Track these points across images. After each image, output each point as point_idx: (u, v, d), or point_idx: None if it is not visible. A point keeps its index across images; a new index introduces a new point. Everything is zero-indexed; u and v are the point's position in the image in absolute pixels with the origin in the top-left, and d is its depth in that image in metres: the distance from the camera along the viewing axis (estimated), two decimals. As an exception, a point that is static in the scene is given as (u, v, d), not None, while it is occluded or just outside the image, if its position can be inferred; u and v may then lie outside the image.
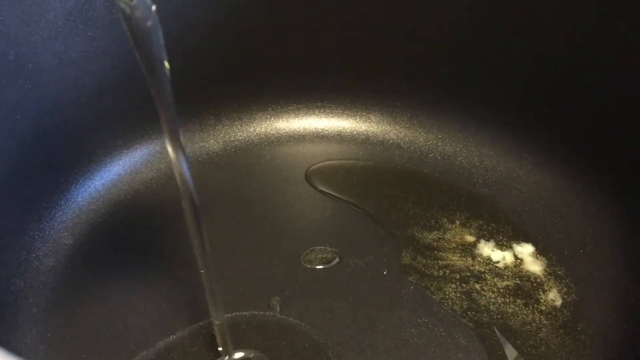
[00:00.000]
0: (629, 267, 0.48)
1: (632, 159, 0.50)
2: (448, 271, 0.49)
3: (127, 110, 0.54)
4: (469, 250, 0.51)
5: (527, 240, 0.52)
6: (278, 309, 0.47)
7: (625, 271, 0.48)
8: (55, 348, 0.44)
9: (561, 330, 0.45)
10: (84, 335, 0.44)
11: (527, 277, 0.49)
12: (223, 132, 0.61)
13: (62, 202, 0.52)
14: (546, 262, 0.50)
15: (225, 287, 0.48)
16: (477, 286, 0.48)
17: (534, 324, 0.46)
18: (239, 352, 0.42)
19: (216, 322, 0.39)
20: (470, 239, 0.52)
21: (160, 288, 0.48)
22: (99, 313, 0.46)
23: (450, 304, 0.47)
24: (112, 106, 0.53)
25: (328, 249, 0.51)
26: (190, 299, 0.47)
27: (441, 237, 0.52)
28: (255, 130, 0.62)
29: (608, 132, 0.52)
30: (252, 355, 0.42)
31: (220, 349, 0.41)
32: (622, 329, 0.45)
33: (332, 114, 0.63)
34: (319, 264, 0.50)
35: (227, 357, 0.41)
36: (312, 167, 0.59)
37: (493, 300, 0.47)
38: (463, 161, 0.59)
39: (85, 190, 0.53)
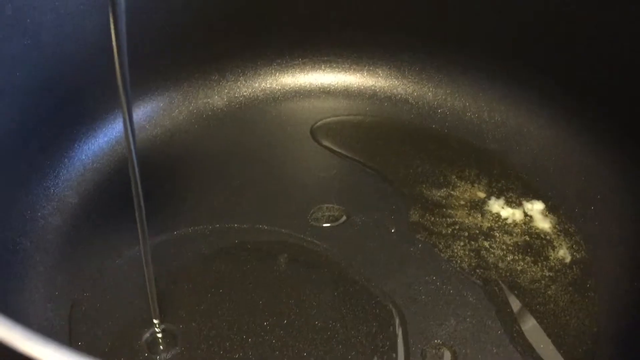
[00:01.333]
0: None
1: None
2: (457, 229, 0.49)
3: (128, 67, 0.53)
4: (478, 207, 0.50)
5: (537, 197, 0.51)
6: (284, 267, 0.46)
7: (635, 229, 0.47)
8: (62, 306, 0.44)
9: (570, 288, 0.45)
10: (91, 294, 0.44)
11: (537, 234, 0.49)
12: (227, 87, 0.60)
13: (65, 160, 0.51)
14: (556, 219, 0.50)
15: (231, 244, 0.48)
16: (486, 244, 0.48)
17: (542, 282, 0.46)
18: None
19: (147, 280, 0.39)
20: (480, 195, 0.51)
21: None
22: (105, 271, 0.46)
23: (459, 261, 0.47)
24: (113, 62, 0.52)
25: (335, 206, 0.50)
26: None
27: (450, 194, 0.51)
28: (260, 85, 0.61)
29: (621, 88, 0.51)
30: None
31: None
32: (631, 287, 0.44)
33: (339, 68, 0.62)
34: (326, 222, 0.50)
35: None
36: (318, 123, 0.58)
37: (502, 257, 0.47)
38: (472, 116, 0.58)
39: (89, 148, 0.53)
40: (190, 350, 0.41)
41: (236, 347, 0.41)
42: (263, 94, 0.61)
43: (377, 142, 0.57)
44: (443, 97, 0.60)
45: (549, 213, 0.50)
